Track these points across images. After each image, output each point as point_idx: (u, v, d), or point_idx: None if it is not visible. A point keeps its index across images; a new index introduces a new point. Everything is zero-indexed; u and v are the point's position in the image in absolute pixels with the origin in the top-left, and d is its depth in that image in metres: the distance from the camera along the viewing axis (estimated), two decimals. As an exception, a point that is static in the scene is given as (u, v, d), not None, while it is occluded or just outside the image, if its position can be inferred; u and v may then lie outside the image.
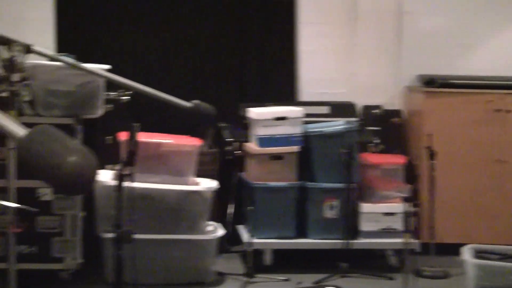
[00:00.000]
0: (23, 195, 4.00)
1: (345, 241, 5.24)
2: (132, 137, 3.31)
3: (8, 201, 3.54)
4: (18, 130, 1.41)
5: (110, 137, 5.28)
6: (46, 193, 4.93)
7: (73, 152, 1.39)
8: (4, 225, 4.56)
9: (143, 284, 4.64)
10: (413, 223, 5.19)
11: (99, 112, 5.07)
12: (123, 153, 4.36)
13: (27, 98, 4.73)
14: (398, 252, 5.38)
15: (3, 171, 3.68)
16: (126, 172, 3.20)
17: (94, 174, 1.43)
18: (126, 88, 4.46)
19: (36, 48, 3.57)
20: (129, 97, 5.32)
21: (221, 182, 5.28)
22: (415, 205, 4.91)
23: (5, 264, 3.77)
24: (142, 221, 4.71)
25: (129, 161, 3.24)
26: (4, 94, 3.58)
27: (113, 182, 3.46)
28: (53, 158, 1.37)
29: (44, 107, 4.88)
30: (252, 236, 5.28)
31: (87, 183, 1.41)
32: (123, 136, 4.90)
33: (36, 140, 1.39)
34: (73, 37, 6.27)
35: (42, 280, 4.92)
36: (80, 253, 5.01)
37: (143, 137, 3.86)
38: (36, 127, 1.41)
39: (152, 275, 4.91)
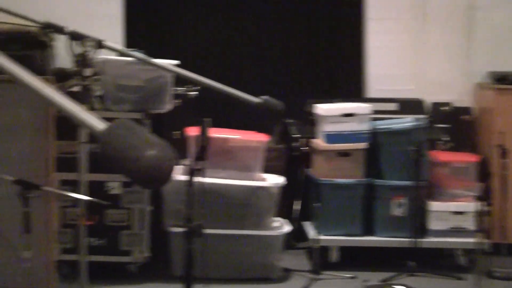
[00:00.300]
0: (93, 189, 4.05)
1: (413, 239, 5.15)
2: (203, 132, 3.32)
3: (79, 194, 3.58)
4: (98, 123, 1.42)
5: (177, 132, 5.32)
6: (114, 186, 4.99)
7: (152, 145, 1.39)
8: (76, 217, 4.65)
9: (210, 278, 4.65)
10: (485, 222, 5.06)
11: (167, 107, 5.12)
12: (194, 148, 4.38)
13: (98, 93, 4.80)
14: (468, 251, 5.28)
15: (74, 165, 3.72)
16: (197, 167, 3.21)
17: (172, 167, 1.42)
18: (195, 83, 4.48)
19: (108, 43, 3.60)
20: (197, 92, 5.34)
21: (287, 178, 5.28)
22: (488, 204, 4.80)
23: (76, 256, 3.82)
24: (210, 216, 4.73)
25: (200, 156, 3.25)
26: (76, 89, 3.63)
27: (181, 177, 3.47)
28: (132, 152, 1.37)
29: (113, 102, 4.95)
30: (319, 232, 5.25)
31: (165, 177, 1.41)
32: (191, 131, 4.93)
33: (115, 134, 1.39)
34: (141, 32, 6.34)
35: (110, 272, 4.99)
36: (148, 247, 5.06)
37: (211, 132, 3.87)
38: (115, 121, 1.42)
39: (218, 270, 4.92)
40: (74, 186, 3.80)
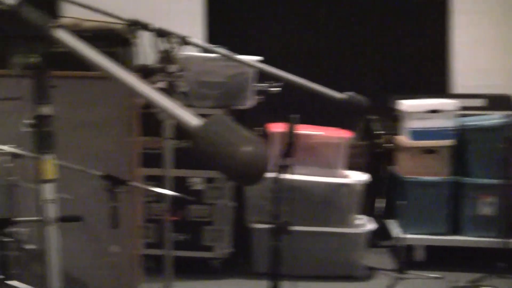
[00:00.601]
0: (176, 184, 4.07)
1: (502, 240, 4.99)
2: (291, 129, 3.29)
3: (164, 189, 3.60)
4: (193, 119, 1.40)
5: (259, 128, 5.30)
6: (197, 182, 5.02)
7: (248, 142, 1.37)
8: (159, 212, 4.69)
9: (292, 275, 4.62)
10: None
11: (249, 103, 5.11)
12: (279, 145, 4.36)
13: (183, 89, 4.82)
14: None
15: (158, 160, 3.75)
16: (285, 163, 3.19)
17: (267, 164, 1.39)
18: (278, 79, 4.45)
19: (192, 39, 3.61)
20: (279, 88, 5.31)
21: (371, 175, 5.20)
22: None
23: (159, 251, 3.85)
24: (293, 213, 4.70)
25: (287, 152, 3.22)
26: (162, 85, 3.65)
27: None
28: (228, 148, 1.35)
29: (196, 98, 4.96)
30: (404, 231, 5.15)
31: (260, 173, 1.38)
32: (274, 127, 4.92)
33: (211, 130, 1.37)
34: (222, 28, 6.35)
35: (193, 268, 5.02)
36: (230, 243, 5.07)
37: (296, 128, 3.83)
38: (211, 117, 1.40)
39: (301, 267, 4.89)
40: (157, 181, 3.82)
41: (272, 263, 3.22)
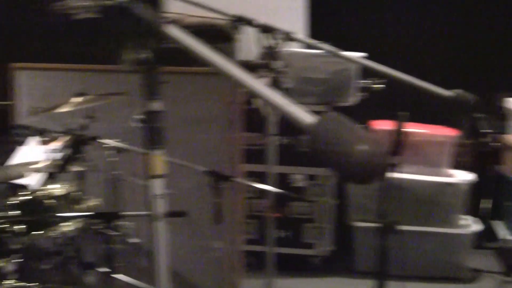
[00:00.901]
0: (278, 181, 4.05)
1: None
2: (399, 126, 3.21)
3: (266, 185, 3.59)
4: (306, 117, 1.37)
5: (362, 125, 5.22)
6: (299, 179, 4.99)
7: (363, 140, 1.32)
8: (261, 209, 4.69)
9: (396, 275, 4.53)
10: None
11: (352, 99, 5.04)
12: (389, 143, 4.27)
13: (286, 86, 4.80)
14: None
15: (260, 156, 3.74)
16: (392, 162, 3.11)
17: (384, 164, 1.34)
18: (382, 75, 4.37)
19: (296, 35, 3.58)
20: (383, 85, 5.21)
21: (477, 175, 5.04)
22: None
23: (260, 247, 3.85)
24: (398, 212, 4.61)
25: (396, 151, 3.14)
26: (265, 82, 3.63)
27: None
28: (343, 146, 1.31)
29: (298, 95, 4.94)
30: (511, 233, 4.98)
31: (377, 173, 1.33)
32: (379, 124, 4.84)
33: (326, 127, 1.34)
34: (324, 24, 6.28)
35: (293, 264, 4.99)
36: (331, 240, 5.02)
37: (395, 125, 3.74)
38: (325, 114, 1.36)
39: (404, 267, 4.79)
40: (259, 177, 3.81)
41: (378, 262, 3.15)
